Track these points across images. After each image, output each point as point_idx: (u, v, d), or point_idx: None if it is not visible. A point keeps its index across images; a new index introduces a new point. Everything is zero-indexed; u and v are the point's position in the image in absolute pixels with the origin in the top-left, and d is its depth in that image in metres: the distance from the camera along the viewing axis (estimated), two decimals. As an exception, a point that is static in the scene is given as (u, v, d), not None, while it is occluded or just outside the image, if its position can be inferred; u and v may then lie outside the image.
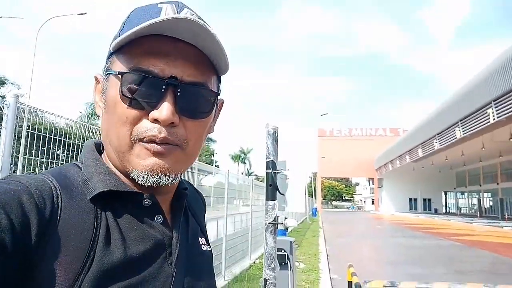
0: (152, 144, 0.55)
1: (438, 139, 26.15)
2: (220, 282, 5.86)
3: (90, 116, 21.76)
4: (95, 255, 0.52)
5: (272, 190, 2.55)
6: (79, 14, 20.76)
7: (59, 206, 0.52)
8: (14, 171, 2.46)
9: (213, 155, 53.09)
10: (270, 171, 2.52)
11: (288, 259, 3.81)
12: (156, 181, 0.56)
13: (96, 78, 0.64)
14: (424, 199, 54.45)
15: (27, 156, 2.48)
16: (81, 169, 0.60)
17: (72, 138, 2.83)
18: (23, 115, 2.43)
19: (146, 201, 0.59)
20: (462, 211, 47.64)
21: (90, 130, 3.17)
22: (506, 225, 24.13)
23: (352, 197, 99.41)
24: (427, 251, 12.28)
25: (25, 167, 2.51)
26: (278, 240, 3.00)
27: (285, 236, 7.26)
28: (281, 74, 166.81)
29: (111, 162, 0.61)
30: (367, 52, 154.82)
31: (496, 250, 12.25)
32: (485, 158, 35.48)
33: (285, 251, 3.81)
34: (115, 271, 0.52)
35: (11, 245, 0.45)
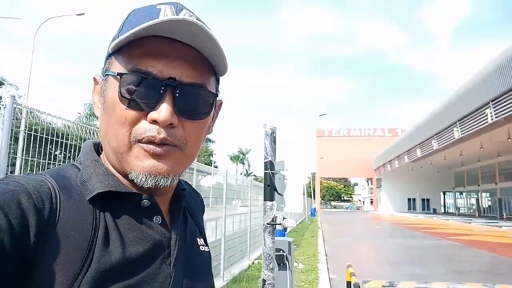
0: (151, 146, 0.55)
1: (437, 139, 26.18)
2: (219, 282, 5.86)
3: (88, 116, 21.74)
4: (94, 256, 0.52)
5: (270, 190, 2.55)
6: (78, 15, 20.75)
7: (58, 206, 0.52)
8: (12, 172, 2.46)
9: (212, 155, 53.07)
10: (268, 171, 2.52)
11: (287, 259, 3.81)
12: (155, 183, 0.56)
13: (94, 79, 0.64)
14: (423, 199, 54.49)
15: (24, 157, 2.47)
16: (80, 170, 0.60)
17: (70, 139, 2.83)
18: (20, 116, 2.43)
19: (144, 202, 0.59)
20: (460, 211, 47.68)
21: (89, 131, 3.17)
22: (504, 225, 24.16)
23: (351, 197, 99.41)
24: (426, 251, 12.30)
25: (23, 168, 2.51)
26: (277, 240, 3.00)
27: (284, 236, 7.27)
28: (281, 74, 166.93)
29: (109, 163, 0.61)
30: (367, 52, 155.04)
31: (495, 249, 12.26)
32: (483, 158, 35.53)
33: (283, 252, 3.81)
34: (114, 272, 0.53)
35: (10, 245, 0.45)
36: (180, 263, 0.62)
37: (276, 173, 2.56)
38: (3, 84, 23.95)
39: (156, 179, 0.56)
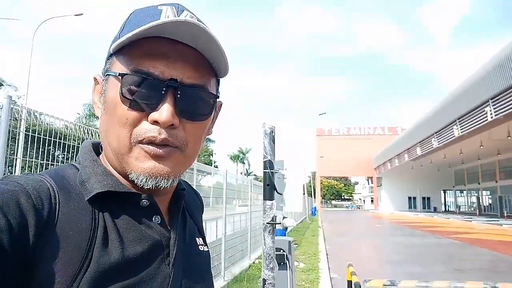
0: (152, 147, 0.55)
1: (437, 137, 26.18)
2: (219, 282, 5.86)
3: (88, 117, 21.72)
4: (93, 256, 0.52)
5: (270, 189, 2.55)
6: (76, 15, 20.75)
7: (57, 206, 0.52)
8: (11, 173, 2.46)
9: (212, 155, 53.06)
10: (267, 170, 2.52)
11: (287, 259, 3.81)
12: (155, 184, 0.56)
13: (95, 79, 0.64)
14: (423, 198, 54.47)
15: (22, 158, 2.47)
16: (79, 170, 0.60)
17: (70, 139, 2.83)
18: (20, 116, 2.43)
19: (144, 202, 0.60)
20: (461, 209, 47.68)
21: (88, 132, 3.17)
22: (505, 223, 24.16)
23: (351, 196, 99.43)
24: (427, 250, 12.30)
25: (23, 169, 2.51)
26: (277, 240, 3.00)
27: (285, 235, 7.27)
28: (281, 74, 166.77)
29: (109, 163, 0.61)
30: (367, 52, 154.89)
31: (495, 248, 12.26)
32: (483, 156, 35.52)
33: (283, 251, 3.81)
34: (113, 272, 0.53)
35: (9, 245, 0.45)
36: (179, 263, 0.62)
37: (276, 172, 2.56)
38: (2, 85, 23.96)
39: (157, 180, 0.56)
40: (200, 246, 0.73)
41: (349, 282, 4.08)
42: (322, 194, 78.30)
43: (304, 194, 25.34)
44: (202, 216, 0.84)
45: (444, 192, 53.81)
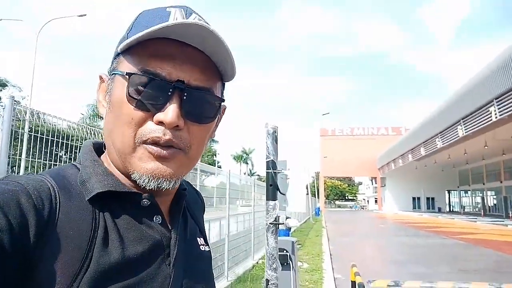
0: (155, 148, 0.55)
1: (441, 137, 26.07)
2: (223, 282, 5.86)
3: (91, 117, 21.79)
4: (93, 256, 0.52)
5: (273, 190, 2.54)
6: (79, 16, 20.82)
7: (57, 206, 0.52)
8: (16, 173, 2.47)
9: (215, 155, 53.10)
10: (270, 170, 2.52)
11: (290, 259, 3.80)
12: (157, 185, 0.56)
13: (100, 77, 0.64)
14: (428, 198, 54.24)
15: (26, 158, 2.48)
16: (79, 170, 0.60)
17: (74, 140, 2.84)
18: (25, 117, 2.44)
19: (144, 201, 0.60)
20: (466, 210, 47.44)
21: (92, 132, 3.18)
22: (510, 223, 23.99)
23: (355, 196, 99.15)
24: (431, 250, 12.25)
25: (27, 169, 2.52)
26: (280, 240, 3.00)
27: (288, 236, 7.26)
28: (281, 74, 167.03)
29: (112, 162, 0.61)
30: (367, 52, 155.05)
31: (501, 248, 12.19)
32: (488, 156, 35.32)
33: (287, 251, 3.80)
34: (113, 272, 0.53)
35: (10, 245, 0.45)
36: (180, 263, 0.62)
37: (279, 172, 2.55)
38: (7, 85, 24.11)
39: (159, 181, 0.56)
40: (201, 246, 0.73)
41: (353, 283, 4.06)
42: (326, 194, 78.11)
43: (307, 194, 25.30)
44: (203, 216, 0.83)
45: (449, 193, 53.57)
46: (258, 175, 58.12)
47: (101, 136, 3.42)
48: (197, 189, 0.88)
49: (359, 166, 58.36)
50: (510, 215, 32.46)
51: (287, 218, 2.78)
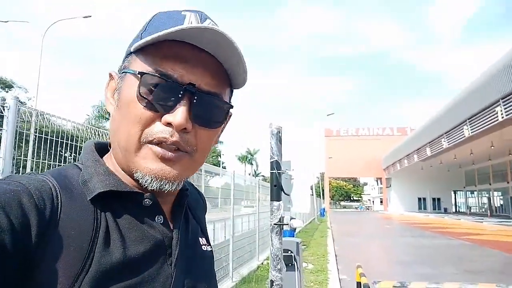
0: (161, 150, 0.55)
1: (446, 137, 25.90)
2: (227, 283, 5.86)
3: (97, 118, 21.90)
4: (95, 256, 0.52)
5: (277, 190, 2.54)
6: (84, 17, 20.95)
7: (59, 206, 0.52)
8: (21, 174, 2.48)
9: (220, 156, 53.18)
10: (274, 171, 2.52)
11: (295, 260, 3.79)
12: (159, 186, 0.56)
13: (110, 75, 0.64)
14: (433, 199, 53.93)
15: (32, 160, 2.50)
16: (81, 170, 0.60)
17: (80, 141, 2.86)
18: (29, 118, 2.46)
19: (146, 201, 0.60)
20: (472, 210, 47.11)
21: (98, 133, 3.20)
22: (517, 224, 23.81)
23: (361, 197, 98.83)
24: (437, 251, 12.17)
25: (33, 170, 2.54)
26: (285, 241, 2.99)
27: (293, 237, 7.25)
28: (282, 74, 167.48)
29: (116, 160, 0.61)
30: (369, 52, 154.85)
31: (508, 249, 12.08)
32: (494, 157, 35.05)
33: (291, 252, 3.80)
34: (115, 272, 0.53)
35: (11, 245, 0.45)
36: (181, 263, 0.62)
37: (283, 173, 2.55)
38: (13, 87, 24.31)
39: (162, 183, 0.56)
40: (203, 246, 0.73)
41: (358, 284, 4.05)
42: (331, 195, 77.94)
43: (312, 195, 25.25)
44: (205, 217, 0.83)
45: (455, 193, 53.22)
46: (263, 175, 58.17)
47: (107, 137, 3.44)
48: (202, 189, 0.88)
49: (364, 166, 58.13)
50: (517, 216, 32.20)
51: (291, 218, 2.77)
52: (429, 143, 30.38)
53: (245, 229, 7.81)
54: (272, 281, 2.49)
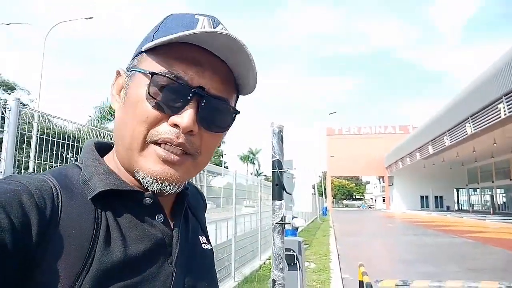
0: (165, 152, 0.56)
1: (449, 135, 25.85)
2: (230, 283, 5.87)
3: (99, 119, 21.92)
4: (95, 255, 0.52)
5: (279, 189, 2.54)
6: (86, 19, 20.98)
7: (60, 206, 0.52)
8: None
9: (222, 156, 53.18)
10: (276, 170, 2.52)
11: (297, 259, 3.79)
12: (160, 188, 0.57)
13: (118, 72, 0.64)
14: (436, 197, 53.84)
15: (33, 160, 2.51)
16: (81, 169, 0.60)
17: (82, 142, 2.87)
18: (33, 120, 2.47)
19: (147, 200, 0.60)
20: (474, 208, 47.02)
21: (100, 134, 3.21)
22: (520, 222, 23.74)
23: (363, 195, 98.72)
24: (440, 249, 12.15)
25: (36, 171, 2.54)
26: (286, 240, 2.99)
27: (295, 236, 7.25)
28: (282, 74, 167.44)
29: (118, 158, 0.61)
30: (369, 51, 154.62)
31: (511, 247, 12.04)
32: (497, 154, 34.96)
33: (293, 251, 3.80)
34: (115, 271, 0.53)
35: (12, 245, 0.45)
36: (182, 261, 0.62)
37: (285, 172, 2.55)
38: (15, 89, 24.38)
39: (163, 185, 0.57)
40: (203, 245, 0.73)
41: (361, 282, 4.04)
42: (333, 194, 77.84)
43: (314, 194, 25.22)
44: (205, 215, 0.84)
45: (457, 191, 53.10)
46: (265, 175, 58.15)
47: (110, 138, 3.45)
48: (204, 189, 0.89)
49: (366, 165, 58.08)
50: (520, 213, 32.09)
51: (293, 218, 2.77)
52: (431, 141, 30.33)
53: (247, 228, 7.81)
54: (274, 281, 2.49)
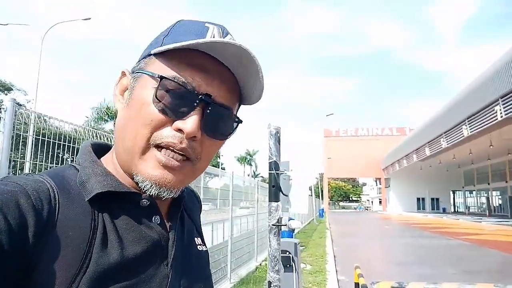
0: (165, 158, 0.56)
1: (445, 137, 25.92)
2: (226, 284, 5.86)
3: (96, 120, 21.87)
4: (92, 257, 0.52)
5: (275, 191, 2.54)
6: (84, 19, 20.93)
7: (57, 207, 0.53)
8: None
9: (219, 157, 53.13)
10: (273, 172, 2.52)
11: (293, 261, 3.79)
12: (157, 193, 0.57)
13: (123, 73, 0.64)
14: (432, 199, 53.98)
15: (29, 161, 2.50)
16: (78, 171, 0.61)
17: (78, 143, 2.86)
18: (30, 120, 2.46)
19: (144, 202, 0.60)
20: (471, 210, 47.14)
21: (96, 135, 3.20)
22: (516, 224, 23.82)
23: (359, 197, 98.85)
24: (436, 251, 12.18)
25: (31, 172, 2.54)
26: (283, 242, 2.99)
27: (292, 237, 7.25)
28: (282, 74, 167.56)
29: (117, 159, 0.62)
30: (369, 51, 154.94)
31: (506, 249, 12.09)
32: (493, 156, 35.08)
33: (289, 253, 3.79)
34: (112, 273, 0.53)
35: (9, 246, 0.45)
36: (177, 263, 0.63)
37: (281, 173, 2.55)
38: (12, 89, 24.26)
39: (160, 190, 0.57)
40: (198, 246, 0.73)
41: (357, 284, 4.04)
42: (330, 195, 77.91)
43: (311, 195, 25.22)
44: (200, 217, 0.84)
45: (453, 193, 53.26)
46: (262, 176, 58.14)
47: (106, 139, 3.44)
48: (201, 190, 0.89)
49: (363, 167, 58.13)
50: (516, 216, 32.22)
51: (290, 219, 2.78)
52: (428, 143, 30.40)
53: (244, 230, 7.80)
54: (270, 282, 2.49)
